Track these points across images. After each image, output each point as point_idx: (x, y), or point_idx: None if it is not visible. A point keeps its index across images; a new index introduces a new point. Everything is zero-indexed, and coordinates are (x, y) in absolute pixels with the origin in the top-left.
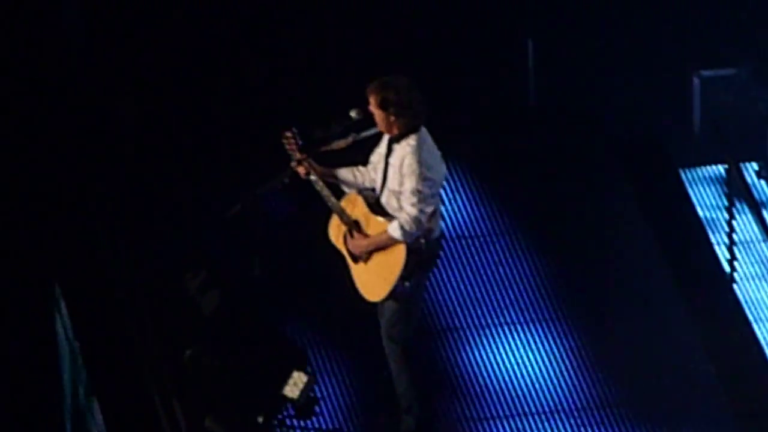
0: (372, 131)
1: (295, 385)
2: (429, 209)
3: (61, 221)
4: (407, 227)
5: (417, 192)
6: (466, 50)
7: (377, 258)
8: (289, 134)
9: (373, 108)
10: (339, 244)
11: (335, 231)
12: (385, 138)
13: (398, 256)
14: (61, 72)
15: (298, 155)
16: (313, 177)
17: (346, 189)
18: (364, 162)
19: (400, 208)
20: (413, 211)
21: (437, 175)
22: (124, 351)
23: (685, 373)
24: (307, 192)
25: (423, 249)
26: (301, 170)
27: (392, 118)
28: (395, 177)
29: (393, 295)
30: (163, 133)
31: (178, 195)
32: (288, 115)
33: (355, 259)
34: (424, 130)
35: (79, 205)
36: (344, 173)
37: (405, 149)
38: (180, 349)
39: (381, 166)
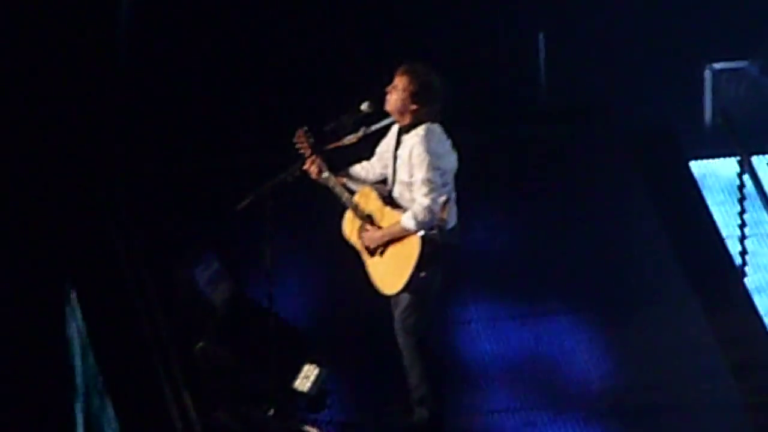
0: (382, 124)
1: (306, 377)
2: (441, 199)
3: (73, 216)
4: (420, 217)
5: (428, 182)
6: (477, 42)
7: (392, 250)
8: (300, 133)
9: (398, 91)
10: (354, 239)
11: (349, 226)
12: (394, 130)
13: (413, 247)
14: (72, 65)
15: (308, 152)
16: (325, 173)
17: (355, 187)
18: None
19: (413, 199)
20: (425, 201)
21: (448, 165)
22: (135, 344)
23: (695, 365)
24: (318, 187)
25: (438, 239)
26: (313, 169)
27: (414, 107)
28: (405, 168)
29: (408, 287)
30: (175, 127)
31: (189, 188)
32: (300, 108)
33: (371, 253)
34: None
35: (90, 199)
36: (355, 169)
37: (413, 139)
38: (191, 342)
39: (390, 159)
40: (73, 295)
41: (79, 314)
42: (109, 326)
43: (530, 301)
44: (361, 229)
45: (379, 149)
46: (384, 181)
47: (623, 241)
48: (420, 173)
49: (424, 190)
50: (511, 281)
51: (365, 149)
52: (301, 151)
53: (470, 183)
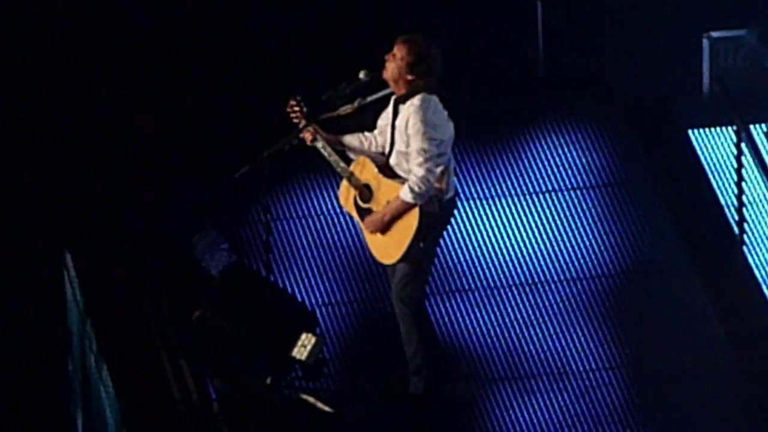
0: (377, 95)
1: (303, 346)
2: (438, 169)
3: (70, 183)
4: (417, 188)
5: (423, 151)
6: (475, 11)
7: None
8: (293, 102)
9: (395, 59)
10: (349, 207)
11: (345, 195)
12: (391, 101)
13: (411, 217)
14: (69, 45)
15: (303, 122)
16: (319, 143)
17: (352, 155)
18: (370, 128)
19: (410, 170)
20: (420, 171)
21: (445, 135)
22: (132, 312)
23: (694, 335)
24: (315, 156)
25: (436, 210)
26: (307, 136)
27: (410, 77)
28: (401, 138)
29: (406, 257)
30: (172, 95)
31: (186, 156)
32: (297, 77)
33: (372, 231)
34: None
35: (87, 167)
36: (350, 139)
37: (409, 109)
38: (188, 310)
39: (388, 129)
40: (70, 263)
41: (76, 282)
42: (107, 294)
43: (528, 270)
44: (357, 198)
45: (379, 122)
46: (381, 153)
47: (621, 210)
48: (416, 143)
49: (420, 159)
50: (509, 249)
51: (362, 120)
52: (295, 120)
53: (467, 153)
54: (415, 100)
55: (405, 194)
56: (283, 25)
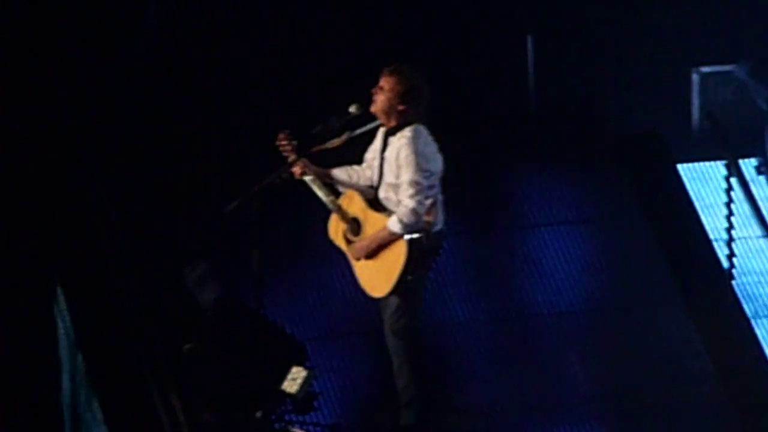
0: (366, 128)
1: (294, 379)
2: (427, 201)
3: (61, 216)
4: (406, 220)
5: (414, 183)
6: (466, 45)
7: (379, 254)
8: (282, 136)
9: (384, 91)
10: (339, 241)
11: (334, 229)
12: (380, 134)
13: (400, 250)
14: (60, 65)
15: (292, 156)
16: (308, 177)
17: (341, 189)
18: (358, 161)
19: (399, 201)
20: (411, 203)
21: (435, 167)
22: (123, 346)
23: (683, 369)
24: (306, 190)
25: (424, 242)
26: (296, 170)
27: (400, 108)
28: (391, 170)
29: (396, 290)
30: (162, 127)
31: (178, 189)
32: (286, 111)
33: (358, 259)
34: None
35: (78, 198)
36: (339, 173)
37: (401, 141)
38: (179, 343)
39: (377, 162)
40: (61, 295)
41: (66, 314)
42: (97, 327)
43: (518, 302)
44: (346, 232)
45: (367, 155)
46: (370, 186)
47: (611, 243)
48: (407, 175)
49: (410, 191)
50: (499, 282)
51: (351, 153)
52: (284, 154)
53: (456, 186)
54: (407, 132)
55: (393, 225)
56: (272, 59)
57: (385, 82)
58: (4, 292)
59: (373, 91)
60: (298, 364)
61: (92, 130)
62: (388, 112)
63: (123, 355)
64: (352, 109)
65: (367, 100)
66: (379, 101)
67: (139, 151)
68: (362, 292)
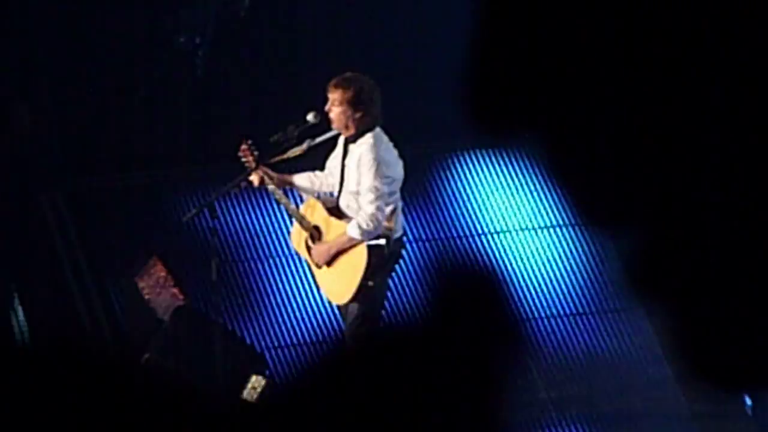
0: (327, 136)
1: (253, 388)
2: (388, 208)
3: (17, 224)
4: (365, 226)
5: (375, 189)
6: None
7: (340, 260)
8: (245, 146)
9: (336, 104)
10: (301, 250)
11: (297, 237)
12: (341, 141)
13: (360, 257)
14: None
15: (253, 165)
16: (269, 186)
17: (304, 195)
18: (320, 167)
19: (360, 208)
20: (371, 209)
21: (395, 173)
22: (79, 356)
23: (642, 374)
24: (265, 198)
25: (384, 249)
26: (254, 179)
27: (357, 115)
28: (352, 177)
29: (357, 296)
30: (122, 136)
31: (135, 197)
32: (246, 119)
33: (318, 264)
34: (379, 129)
35: (34, 206)
36: (301, 180)
37: (361, 147)
38: (137, 354)
39: (338, 169)
40: (17, 302)
41: (23, 321)
42: (54, 339)
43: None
44: (308, 241)
45: (328, 162)
46: (332, 193)
47: (572, 250)
48: (367, 180)
49: (370, 197)
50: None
51: (312, 161)
52: (246, 163)
53: (415, 192)
54: (368, 138)
55: (353, 230)
56: (232, 69)
57: (333, 95)
58: None
59: (327, 109)
60: (258, 374)
61: (53, 135)
62: (345, 122)
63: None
64: (310, 117)
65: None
66: (336, 115)
67: (97, 156)
68: (321, 301)
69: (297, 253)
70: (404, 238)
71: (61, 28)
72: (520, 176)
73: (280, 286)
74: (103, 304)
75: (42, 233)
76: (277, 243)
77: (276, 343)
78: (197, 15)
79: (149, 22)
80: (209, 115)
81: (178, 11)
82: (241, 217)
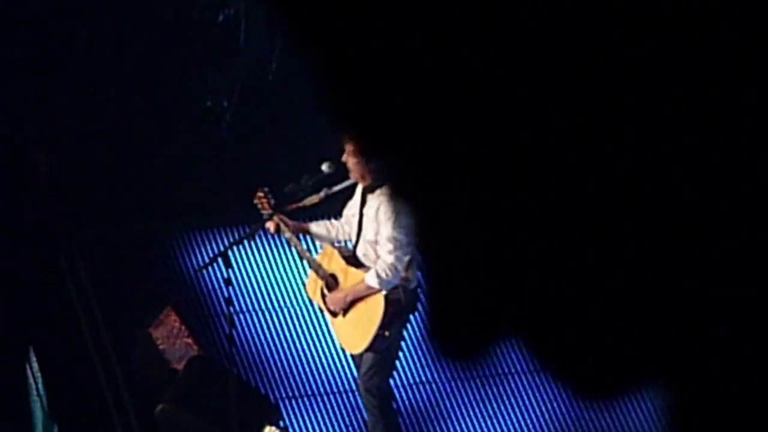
0: (343, 185)
1: None
2: (406, 257)
3: (32, 279)
4: (384, 275)
5: (394, 239)
6: None
7: (356, 309)
8: (261, 194)
9: (352, 155)
10: (316, 298)
11: (312, 286)
12: (359, 190)
13: (377, 306)
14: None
15: (269, 212)
16: (285, 234)
17: (319, 244)
18: (337, 216)
19: (377, 258)
20: (390, 258)
21: (413, 223)
22: (95, 407)
23: None
24: (280, 248)
25: (401, 299)
26: (271, 226)
27: (372, 166)
28: (371, 226)
29: (372, 346)
30: (135, 187)
31: (149, 247)
32: (261, 170)
33: (334, 312)
34: None
35: (49, 261)
36: (317, 228)
37: (380, 198)
38: (151, 404)
39: (356, 218)
40: (34, 360)
41: (39, 377)
42: (69, 388)
43: (490, 362)
44: (324, 289)
45: (346, 211)
46: (348, 242)
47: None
48: (386, 230)
49: (389, 247)
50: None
51: (330, 208)
52: (262, 211)
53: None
54: (386, 189)
55: (371, 279)
56: (245, 114)
57: (349, 147)
58: None
59: (344, 160)
60: (271, 424)
61: (60, 191)
62: (362, 173)
63: (96, 418)
64: (324, 167)
65: (340, 160)
66: (352, 166)
67: (110, 210)
68: (335, 351)
69: (311, 303)
70: (419, 290)
71: (89, 83)
72: None
73: (294, 336)
74: (118, 355)
75: (56, 283)
76: (290, 293)
77: (290, 394)
78: (225, 78)
79: (177, 83)
80: (226, 163)
81: (206, 74)
82: (255, 267)
